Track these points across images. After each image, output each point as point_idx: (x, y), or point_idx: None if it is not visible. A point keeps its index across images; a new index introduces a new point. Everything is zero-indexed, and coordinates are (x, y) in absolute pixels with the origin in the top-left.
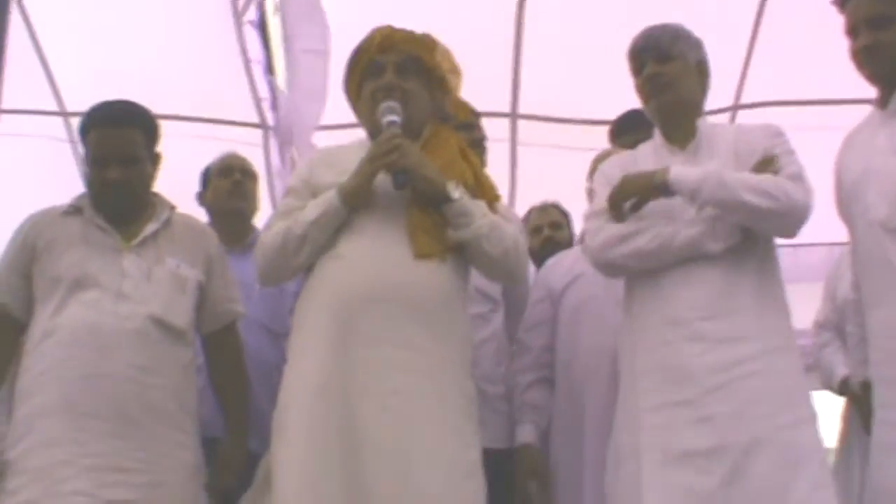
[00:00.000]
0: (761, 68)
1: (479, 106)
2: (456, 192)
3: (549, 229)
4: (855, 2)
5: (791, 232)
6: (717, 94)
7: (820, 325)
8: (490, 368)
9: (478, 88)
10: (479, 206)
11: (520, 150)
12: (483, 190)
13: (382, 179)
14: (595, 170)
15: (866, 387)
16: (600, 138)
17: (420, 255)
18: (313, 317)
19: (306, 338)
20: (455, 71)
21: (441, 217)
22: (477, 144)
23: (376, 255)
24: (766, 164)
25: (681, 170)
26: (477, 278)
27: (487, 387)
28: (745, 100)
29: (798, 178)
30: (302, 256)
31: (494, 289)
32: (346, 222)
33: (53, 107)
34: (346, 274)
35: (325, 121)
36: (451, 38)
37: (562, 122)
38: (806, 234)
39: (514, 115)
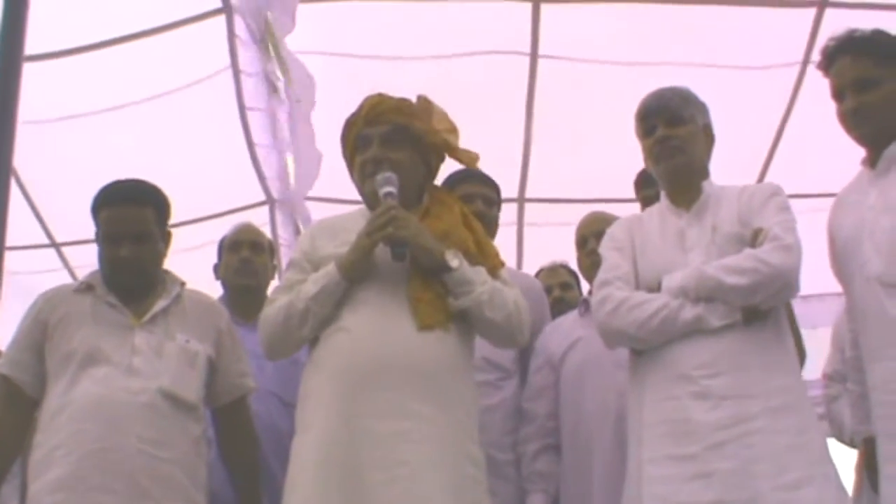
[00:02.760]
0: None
1: None
2: (455, 261)
3: (559, 290)
4: (839, 66)
5: (785, 296)
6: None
7: (829, 377)
8: (499, 436)
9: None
10: (478, 273)
11: (526, 229)
12: (485, 256)
13: (382, 251)
14: (582, 237)
15: (869, 443)
16: None
17: (423, 326)
18: (319, 389)
19: (313, 410)
20: (453, 130)
21: (442, 286)
22: (492, 222)
23: (380, 328)
24: (755, 238)
25: (669, 277)
26: (485, 347)
27: (497, 454)
28: None
29: (780, 239)
30: (305, 330)
31: (504, 357)
32: (349, 294)
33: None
34: (351, 347)
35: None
36: (462, 130)
37: (566, 202)
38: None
39: (521, 200)
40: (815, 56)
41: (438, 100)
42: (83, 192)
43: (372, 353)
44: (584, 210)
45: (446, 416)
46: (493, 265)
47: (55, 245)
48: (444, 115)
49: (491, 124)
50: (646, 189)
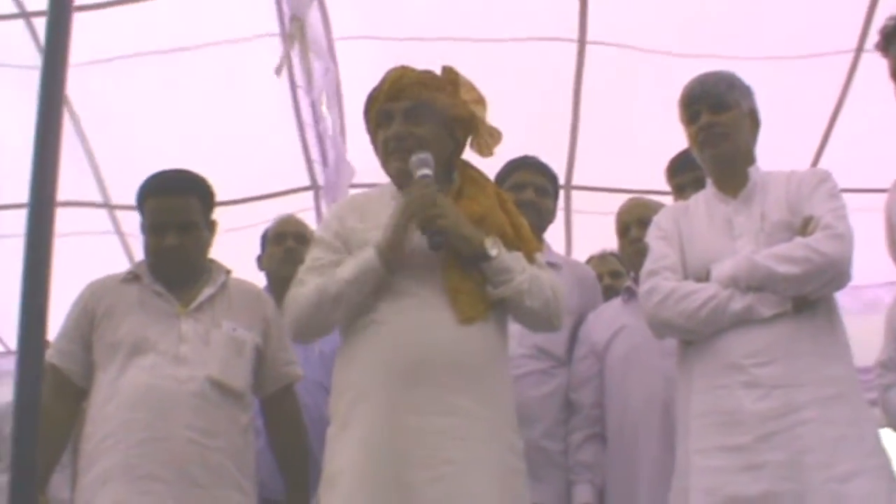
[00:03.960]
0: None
1: None
2: (494, 250)
3: (609, 278)
4: None
5: (837, 285)
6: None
7: (883, 365)
8: (552, 425)
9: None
10: (517, 261)
11: (574, 216)
12: (521, 240)
13: (418, 239)
14: (624, 224)
15: None
16: None
17: (464, 319)
18: (359, 384)
19: (351, 406)
20: (480, 101)
21: (480, 275)
22: (546, 212)
23: (420, 321)
24: (805, 226)
25: (718, 266)
26: (538, 336)
27: (548, 443)
28: None
29: (832, 227)
30: (337, 315)
31: (556, 345)
32: (385, 284)
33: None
34: (390, 341)
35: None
36: (509, 117)
37: (612, 191)
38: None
39: (568, 187)
40: (870, 43)
41: (485, 85)
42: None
43: (413, 348)
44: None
45: (489, 409)
46: (530, 249)
47: (108, 206)
48: (471, 86)
49: (538, 110)
50: (677, 177)
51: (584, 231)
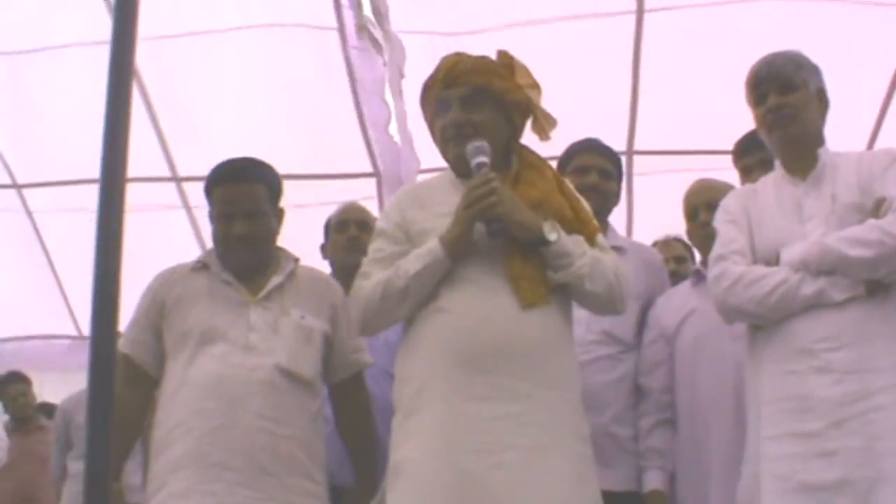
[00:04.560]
0: None
1: None
2: (553, 234)
3: (673, 263)
4: None
5: None
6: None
7: None
8: (621, 410)
9: (594, 128)
10: (577, 244)
11: (635, 179)
12: (581, 223)
13: (478, 226)
14: (692, 207)
15: None
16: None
17: (527, 304)
18: (422, 373)
19: (416, 394)
20: (535, 86)
21: (541, 260)
22: (609, 195)
23: (482, 308)
24: (877, 208)
25: (788, 250)
26: (605, 321)
27: (618, 429)
28: None
29: None
30: (403, 309)
31: (625, 330)
32: (448, 271)
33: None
34: (453, 329)
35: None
36: (568, 81)
37: (675, 153)
38: None
39: (630, 152)
40: None
41: (544, 55)
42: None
43: (476, 335)
44: (694, 160)
45: (553, 394)
46: (590, 232)
47: (176, 180)
48: (527, 71)
49: (599, 78)
50: (744, 158)
51: (645, 196)
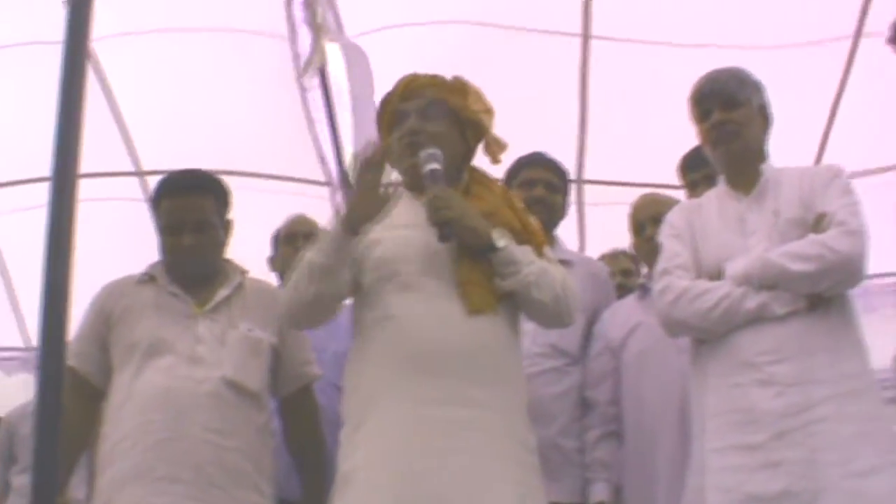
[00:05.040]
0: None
1: None
2: (501, 241)
3: (620, 276)
4: None
5: (851, 282)
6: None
7: None
8: (567, 423)
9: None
10: (525, 253)
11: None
12: (530, 235)
13: (427, 233)
14: (638, 222)
15: None
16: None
17: (473, 310)
18: (370, 380)
19: (364, 403)
20: (488, 111)
21: (489, 267)
22: (556, 208)
23: (429, 314)
24: (819, 223)
25: (731, 265)
26: (552, 334)
27: (564, 441)
28: None
29: (846, 224)
30: (313, 287)
31: (571, 344)
32: (395, 280)
33: (128, 168)
34: (399, 334)
35: None
36: (517, 109)
37: (625, 185)
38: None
39: (580, 181)
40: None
41: (495, 81)
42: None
43: (423, 340)
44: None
45: (500, 401)
46: (539, 245)
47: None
48: (479, 95)
49: (547, 106)
50: (691, 173)
51: (597, 224)
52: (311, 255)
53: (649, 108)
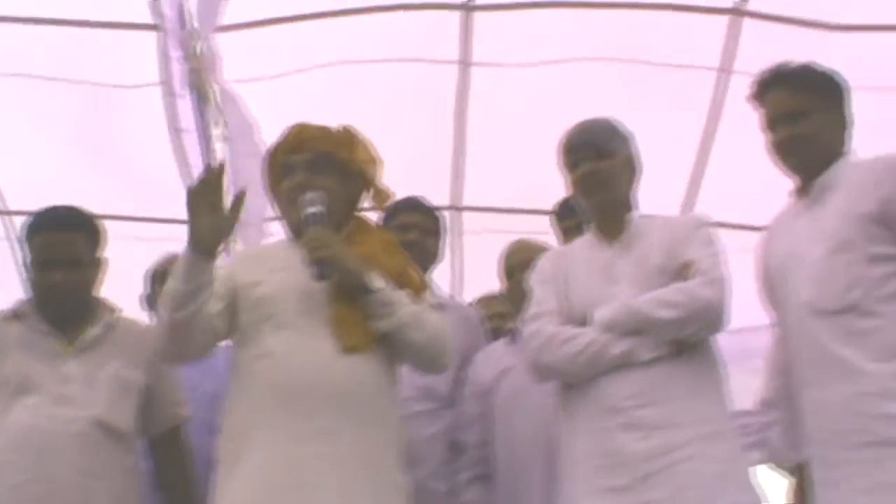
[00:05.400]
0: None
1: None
2: (377, 283)
3: (497, 320)
4: (772, 97)
5: (713, 329)
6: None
7: (764, 403)
8: (437, 465)
9: (421, 185)
10: (401, 296)
11: (464, 238)
12: (408, 281)
13: (305, 273)
14: (510, 267)
15: (801, 469)
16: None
17: (346, 349)
18: (244, 417)
19: (239, 440)
20: (375, 161)
21: (365, 308)
22: (430, 252)
23: (303, 351)
24: (684, 270)
25: (598, 311)
26: (424, 377)
27: (434, 484)
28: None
29: (709, 273)
30: (176, 314)
31: (442, 387)
32: (272, 318)
33: None
34: (273, 372)
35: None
36: (393, 142)
37: (503, 211)
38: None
39: (456, 208)
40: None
41: (369, 111)
42: None
43: (296, 377)
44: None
45: (369, 440)
46: (417, 290)
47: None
48: (367, 146)
49: (425, 133)
50: (565, 220)
51: (473, 253)
52: (168, 283)
53: (527, 134)
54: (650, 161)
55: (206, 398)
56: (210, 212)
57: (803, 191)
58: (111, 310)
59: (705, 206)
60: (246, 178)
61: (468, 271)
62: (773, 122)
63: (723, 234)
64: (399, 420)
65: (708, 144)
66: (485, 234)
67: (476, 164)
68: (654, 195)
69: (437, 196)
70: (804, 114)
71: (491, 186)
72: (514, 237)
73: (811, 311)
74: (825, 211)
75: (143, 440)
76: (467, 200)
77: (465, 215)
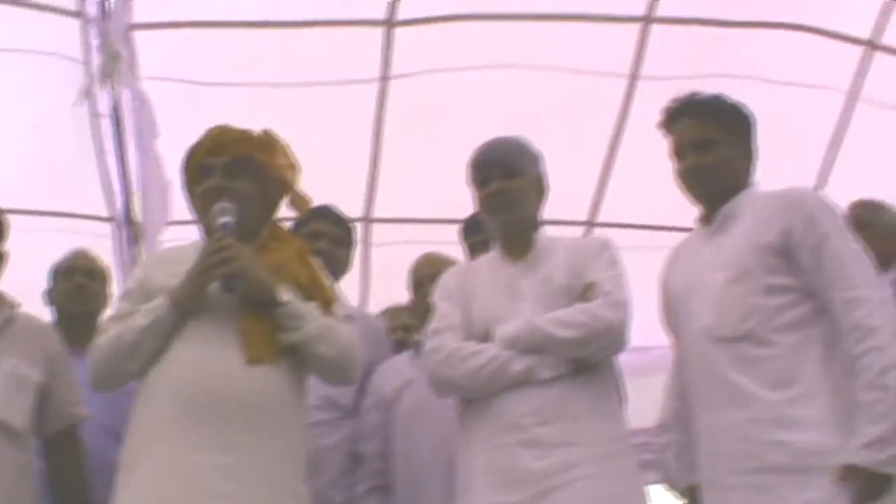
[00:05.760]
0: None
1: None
2: (286, 296)
3: (402, 332)
4: (680, 126)
5: (614, 350)
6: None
7: (662, 426)
8: (337, 475)
9: (335, 197)
10: (310, 309)
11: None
12: (319, 292)
13: (216, 283)
14: (418, 280)
15: (694, 491)
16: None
17: (252, 360)
18: (146, 423)
19: (139, 446)
20: (293, 167)
21: (274, 320)
22: (340, 262)
23: (208, 360)
24: (587, 291)
25: (500, 328)
26: (326, 386)
27: (333, 493)
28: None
29: (611, 294)
30: (133, 363)
31: (344, 396)
32: (180, 326)
33: None
34: (178, 380)
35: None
36: (310, 154)
37: (413, 222)
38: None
39: (367, 219)
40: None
41: (284, 117)
42: None
43: (201, 386)
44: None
45: (271, 450)
46: (327, 302)
47: None
48: (286, 151)
49: (343, 147)
50: (472, 236)
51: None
52: (136, 334)
53: (443, 145)
54: (561, 165)
55: (105, 401)
56: (211, 281)
57: (707, 219)
58: (11, 305)
59: (611, 207)
60: (152, 178)
61: (377, 283)
62: (681, 151)
63: (626, 234)
64: (303, 431)
65: (616, 147)
66: (395, 246)
67: (391, 176)
68: (565, 199)
69: (351, 208)
70: (712, 144)
71: (405, 198)
72: (427, 248)
73: (709, 337)
74: (727, 240)
75: (38, 439)
76: (381, 212)
77: (377, 226)
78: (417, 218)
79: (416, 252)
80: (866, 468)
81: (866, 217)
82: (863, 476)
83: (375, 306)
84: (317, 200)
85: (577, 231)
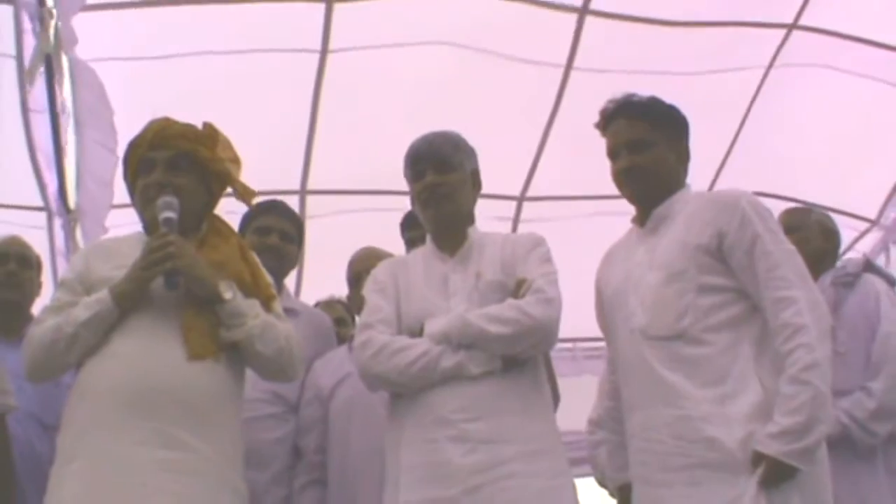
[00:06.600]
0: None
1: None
2: (228, 293)
3: (334, 325)
4: (615, 126)
5: (544, 347)
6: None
7: (594, 423)
8: (280, 470)
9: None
10: (252, 307)
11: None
12: (259, 289)
13: (158, 279)
14: (356, 274)
15: (625, 490)
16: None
17: (193, 355)
18: (83, 417)
19: (76, 439)
20: (236, 160)
21: (215, 316)
22: (289, 257)
23: (150, 356)
24: (518, 287)
25: (431, 323)
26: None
27: (276, 489)
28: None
29: (542, 292)
30: (72, 356)
31: (290, 391)
32: (121, 320)
33: None
34: (118, 374)
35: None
36: (246, 129)
37: (349, 193)
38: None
39: (303, 192)
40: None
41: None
42: None
43: (140, 381)
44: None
45: (211, 446)
46: (267, 298)
47: None
48: (229, 144)
49: (278, 117)
50: (410, 231)
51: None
52: (76, 327)
53: (378, 120)
54: (491, 145)
55: (36, 391)
56: (153, 277)
57: (642, 220)
58: None
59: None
60: (93, 166)
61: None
62: (616, 151)
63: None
64: (238, 427)
65: (548, 132)
66: (329, 217)
67: (327, 149)
68: (496, 181)
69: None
70: (646, 145)
71: (341, 171)
72: (360, 216)
73: (643, 336)
74: (662, 241)
75: None
76: (316, 184)
77: (312, 199)
78: (352, 189)
79: (350, 223)
80: (770, 457)
81: (796, 221)
82: (768, 464)
83: (308, 280)
84: (254, 172)
85: (508, 205)
